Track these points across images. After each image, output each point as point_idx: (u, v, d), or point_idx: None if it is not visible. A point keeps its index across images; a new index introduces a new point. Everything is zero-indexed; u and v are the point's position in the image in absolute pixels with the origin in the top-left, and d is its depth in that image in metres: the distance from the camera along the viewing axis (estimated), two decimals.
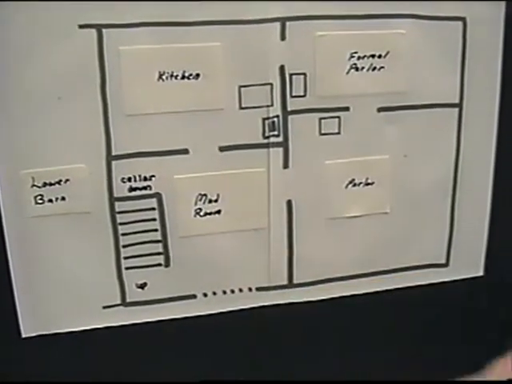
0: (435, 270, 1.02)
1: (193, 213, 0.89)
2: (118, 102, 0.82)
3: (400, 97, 0.92)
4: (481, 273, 1.04)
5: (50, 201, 0.84)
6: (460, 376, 1.09)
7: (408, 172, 0.95)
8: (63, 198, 0.85)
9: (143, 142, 0.85)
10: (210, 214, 0.90)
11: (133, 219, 0.87)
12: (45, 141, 0.82)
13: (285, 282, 0.96)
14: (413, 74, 0.91)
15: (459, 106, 0.95)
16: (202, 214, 0.89)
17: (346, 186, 0.94)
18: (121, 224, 0.87)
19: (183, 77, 0.83)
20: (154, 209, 0.88)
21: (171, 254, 0.90)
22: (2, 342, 0.89)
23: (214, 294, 0.94)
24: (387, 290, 1.00)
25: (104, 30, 0.80)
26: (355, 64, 0.88)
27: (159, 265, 0.90)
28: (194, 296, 0.93)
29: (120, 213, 0.87)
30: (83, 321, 0.90)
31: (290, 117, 0.88)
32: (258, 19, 0.84)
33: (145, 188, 0.87)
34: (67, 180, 0.84)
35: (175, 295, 0.92)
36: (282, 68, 0.86)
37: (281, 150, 0.89)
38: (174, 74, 0.83)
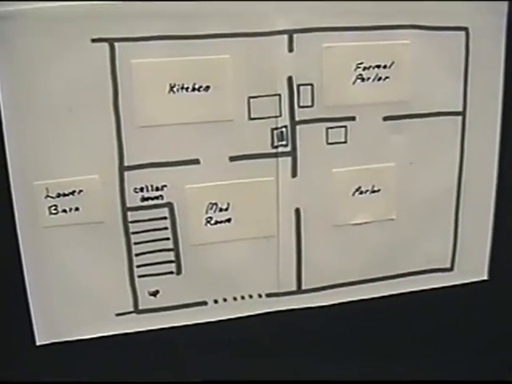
0: (440, 274, 1.04)
1: (204, 221, 0.90)
2: (130, 114, 0.84)
3: (405, 106, 0.93)
4: (485, 277, 1.06)
5: (64, 211, 0.86)
6: (464, 379, 1.10)
7: (413, 179, 0.97)
8: (77, 209, 0.86)
9: (155, 152, 0.86)
10: (220, 222, 0.91)
11: (145, 228, 0.89)
12: (58, 152, 0.84)
13: (294, 288, 0.97)
14: (417, 83, 0.93)
15: (463, 114, 0.96)
16: (212, 222, 0.91)
17: (353, 194, 0.95)
18: (133, 233, 0.89)
19: (193, 89, 0.85)
20: (165, 218, 0.89)
21: (183, 262, 0.91)
22: (16, 350, 0.90)
23: (225, 300, 0.95)
24: (394, 295, 1.02)
25: (116, 44, 0.81)
26: (361, 74, 0.90)
27: (171, 273, 0.92)
28: (205, 303, 0.95)
29: (132, 222, 0.88)
30: (96, 328, 0.91)
31: (297, 127, 0.90)
32: (266, 31, 0.85)
33: (157, 198, 0.88)
34: (80, 191, 0.85)
35: (187, 302, 0.94)
36: (289, 79, 0.88)
37: (289, 159, 0.91)
38: (185, 86, 0.85)
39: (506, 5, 0.93)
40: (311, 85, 0.89)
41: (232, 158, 0.89)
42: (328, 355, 1.02)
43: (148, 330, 0.93)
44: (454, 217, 1.01)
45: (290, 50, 0.87)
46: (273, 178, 0.91)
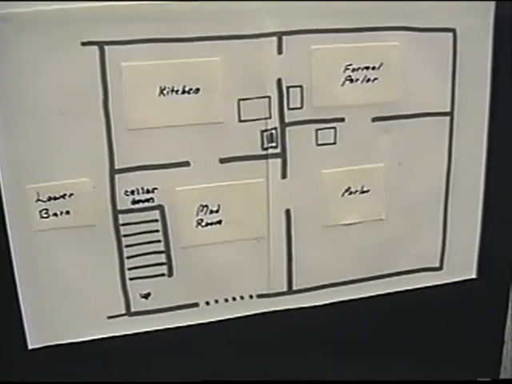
0: (429, 273, 1.04)
1: (194, 223, 0.91)
2: (121, 117, 0.84)
3: (393, 107, 0.94)
4: (474, 275, 1.07)
5: (55, 215, 0.86)
6: (453, 377, 1.11)
7: (402, 179, 0.98)
8: (68, 212, 0.86)
9: (145, 155, 0.87)
10: (211, 224, 0.91)
11: (136, 231, 0.89)
12: (49, 156, 0.84)
13: (284, 289, 0.98)
14: (406, 84, 0.93)
15: (450, 114, 0.97)
16: (203, 224, 0.91)
17: (343, 194, 0.96)
18: (124, 236, 0.89)
19: (184, 91, 0.85)
20: (156, 220, 0.89)
21: (174, 264, 0.92)
22: (9, 353, 0.90)
23: (216, 301, 0.96)
24: (383, 294, 1.02)
25: (106, 47, 0.81)
26: (350, 76, 0.91)
27: (162, 275, 0.92)
28: (197, 304, 0.95)
29: (123, 225, 0.88)
30: (89, 331, 0.91)
31: (287, 128, 0.90)
32: (255, 34, 0.86)
33: (147, 200, 0.88)
34: (71, 194, 0.86)
35: (178, 304, 0.94)
36: (279, 81, 0.88)
37: (279, 160, 0.92)
38: (175, 88, 0.85)
39: (493, 6, 0.94)
40: (300, 87, 0.89)
41: (222, 160, 0.89)
42: (319, 355, 1.03)
43: (140, 333, 0.93)
44: (443, 216, 1.02)
45: (280, 52, 0.87)
46: (263, 180, 0.92)
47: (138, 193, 0.88)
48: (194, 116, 0.86)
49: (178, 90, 0.85)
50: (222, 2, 0.83)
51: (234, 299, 0.96)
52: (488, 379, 1.15)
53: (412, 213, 1.00)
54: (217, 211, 0.91)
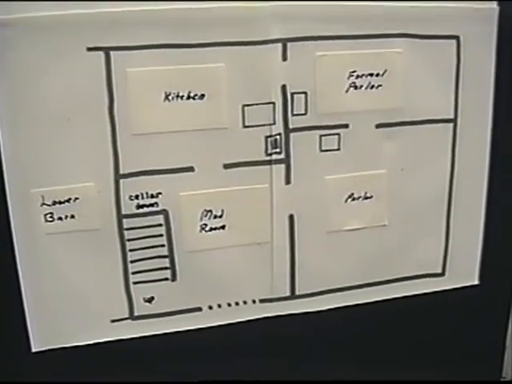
0: (432, 279, 1.05)
1: (198, 228, 0.91)
2: (126, 122, 0.85)
3: (397, 113, 0.95)
4: (476, 281, 1.07)
5: (60, 219, 0.86)
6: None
7: (405, 186, 0.98)
8: (72, 216, 0.87)
9: (150, 160, 0.87)
10: (214, 229, 0.92)
11: (140, 235, 0.90)
12: (54, 160, 0.84)
13: (287, 294, 0.98)
14: (409, 91, 0.94)
15: (454, 121, 0.98)
16: (207, 229, 0.92)
17: (346, 200, 0.96)
18: (129, 240, 0.89)
19: (188, 97, 0.86)
20: (160, 225, 0.90)
21: (178, 269, 0.92)
22: (12, 356, 0.91)
23: (219, 306, 0.96)
24: (386, 300, 1.03)
25: (112, 53, 0.82)
26: (354, 82, 0.91)
27: (166, 279, 0.92)
28: (200, 309, 0.95)
29: (128, 229, 0.89)
30: (92, 335, 0.92)
31: (291, 134, 0.91)
32: (260, 40, 0.86)
33: (152, 205, 0.89)
34: (76, 198, 0.86)
35: (181, 308, 0.95)
36: (283, 87, 0.89)
37: (283, 166, 0.92)
38: (180, 94, 0.85)
39: (496, 13, 0.95)
40: (305, 93, 0.90)
41: (226, 166, 0.90)
42: (322, 359, 1.03)
43: (143, 337, 0.93)
44: (445, 222, 1.03)
45: (284, 58, 0.88)
46: (267, 185, 0.92)
47: (143, 197, 0.88)
48: (198, 121, 0.87)
49: (183, 96, 0.86)
50: (226, 7, 0.84)
51: (236, 304, 0.97)
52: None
53: (415, 219, 1.01)
54: (220, 216, 0.92)
